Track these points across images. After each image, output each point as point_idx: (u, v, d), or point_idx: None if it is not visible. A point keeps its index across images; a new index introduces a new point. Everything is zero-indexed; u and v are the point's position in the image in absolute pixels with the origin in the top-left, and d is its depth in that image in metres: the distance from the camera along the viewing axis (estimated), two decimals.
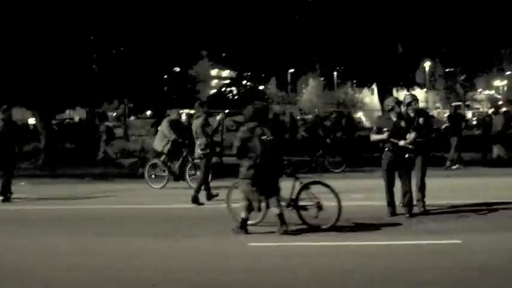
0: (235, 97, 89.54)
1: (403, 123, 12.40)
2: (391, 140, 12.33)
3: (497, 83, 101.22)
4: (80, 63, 26.63)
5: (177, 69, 38.89)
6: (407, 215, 12.29)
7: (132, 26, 26.26)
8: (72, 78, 25.94)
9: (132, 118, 58.60)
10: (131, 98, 36.93)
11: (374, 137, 12.87)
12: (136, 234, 11.54)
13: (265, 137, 11.05)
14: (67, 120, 48.96)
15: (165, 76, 37.51)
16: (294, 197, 11.54)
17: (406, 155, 12.46)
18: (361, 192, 15.74)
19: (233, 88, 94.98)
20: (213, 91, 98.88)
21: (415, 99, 13.30)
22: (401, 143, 12.24)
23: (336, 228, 11.16)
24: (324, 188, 11.59)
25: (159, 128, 20.40)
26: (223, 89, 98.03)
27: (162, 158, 18.77)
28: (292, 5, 28.34)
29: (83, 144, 30.35)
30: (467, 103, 71.66)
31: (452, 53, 32.66)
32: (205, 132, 15.24)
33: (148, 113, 58.06)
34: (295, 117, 32.63)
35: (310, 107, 67.17)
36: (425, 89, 65.00)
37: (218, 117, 16.95)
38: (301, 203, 11.54)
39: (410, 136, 12.27)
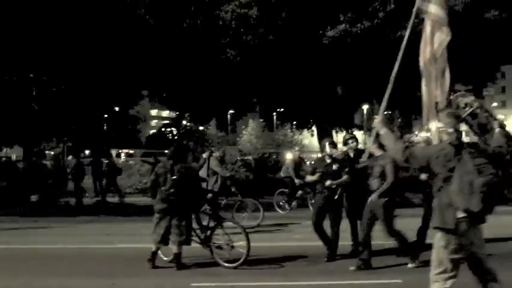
0: (175, 137, 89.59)
1: (335, 166, 12.22)
2: (322, 181, 12.25)
3: (433, 125, 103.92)
4: (19, 101, 26.29)
5: (117, 108, 38.73)
6: (326, 259, 12.01)
7: (73, 65, 26.13)
8: (12, 116, 25.58)
9: (70, 157, 57.84)
10: (70, 136, 36.55)
11: (308, 178, 13.15)
12: (75, 273, 11.40)
13: (173, 175, 11.43)
14: (3, 159, 48.01)
15: (105, 115, 37.32)
16: (208, 234, 11.84)
17: (336, 196, 12.17)
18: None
19: (173, 128, 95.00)
20: (153, 131, 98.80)
21: (352, 137, 13.28)
22: (327, 183, 12.07)
23: (285, 267, 11.32)
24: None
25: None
26: (163, 129, 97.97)
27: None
28: (232, 47, 28.63)
29: (19, 183, 29.48)
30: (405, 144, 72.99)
31: (390, 96, 33.33)
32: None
33: (87, 152, 57.37)
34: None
35: (250, 148, 67.47)
36: (363, 131, 66.08)
37: (204, 155, 16.81)
38: (216, 242, 11.75)
39: (342, 178, 12.17)
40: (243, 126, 78.65)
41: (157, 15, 27.60)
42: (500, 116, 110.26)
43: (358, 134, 54.49)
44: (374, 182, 11.33)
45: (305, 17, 26.91)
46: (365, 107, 61.91)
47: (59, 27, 25.37)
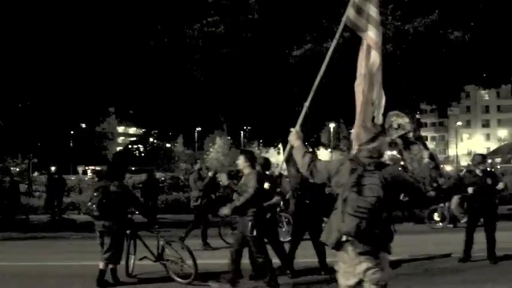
0: (142, 154, 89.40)
1: (266, 185, 11.55)
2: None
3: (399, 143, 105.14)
4: None
5: (83, 125, 38.56)
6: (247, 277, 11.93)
7: (38, 80, 26.01)
8: None
9: (35, 174, 57.39)
10: (36, 153, 36.31)
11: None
12: None
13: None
14: None
15: (72, 132, 37.12)
16: (159, 251, 12.19)
17: (268, 215, 11.90)
18: None
19: (140, 145, 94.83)
20: (120, 148, 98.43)
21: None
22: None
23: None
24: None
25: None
26: (130, 146, 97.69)
27: None
28: (199, 64, 28.72)
29: None
30: None
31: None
32: (197, 186, 17.39)
33: (53, 168, 56.93)
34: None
35: (217, 166, 67.60)
36: (329, 149, 66.67)
37: (210, 174, 18.44)
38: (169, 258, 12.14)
39: (273, 199, 12.20)
40: (210, 144, 78.83)
41: (124, 33, 27.58)
42: (465, 135, 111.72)
43: (325, 152, 54.84)
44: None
45: (272, 37, 27.13)
46: (332, 126, 62.47)
47: (22, 42, 25.27)
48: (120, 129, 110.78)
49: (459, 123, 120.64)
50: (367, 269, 5.88)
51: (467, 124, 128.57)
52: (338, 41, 8.73)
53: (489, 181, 14.19)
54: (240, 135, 61.42)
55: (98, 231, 11.73)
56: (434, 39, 28.28)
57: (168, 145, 77.78)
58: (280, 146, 37.84)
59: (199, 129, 63.50)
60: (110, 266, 11.78)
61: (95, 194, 11.66)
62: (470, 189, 14.38)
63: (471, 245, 14.13)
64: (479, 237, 14.05)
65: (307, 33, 27.59)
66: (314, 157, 6.73)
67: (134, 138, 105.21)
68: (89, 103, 29.00)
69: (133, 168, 61.13)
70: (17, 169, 56.87)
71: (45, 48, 25.27)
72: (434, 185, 12.97)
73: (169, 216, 26.41)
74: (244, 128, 40.44)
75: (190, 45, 27.88)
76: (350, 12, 8.47)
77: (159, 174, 37.57)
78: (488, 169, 15.71)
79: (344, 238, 5.92)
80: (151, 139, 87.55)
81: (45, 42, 25.17)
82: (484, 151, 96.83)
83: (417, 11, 28.14)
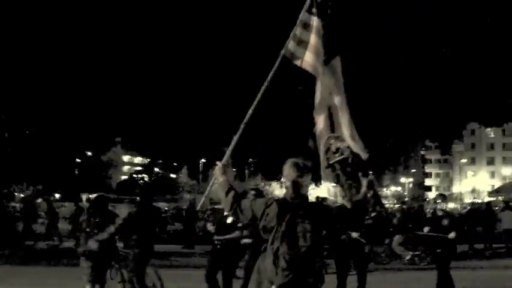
0: (147, 184, 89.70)
1: (229, 220, 11.35)
2: (216, 236, 11.79)
3: (403, 179, 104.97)
4: None
5: (89, 153, 38.96)
6: None
7: (46, 109, 26.44)
8: None
9: (39, 200, 57.56)
10: (41, 179, 36.66)
11: (209, 227, 12.37)
12: None
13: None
14: None
15: (78, 160, 37.51)
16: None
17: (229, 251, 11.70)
18: None
19: (144, 175, 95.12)
20: (125, 177, 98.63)
21: (253, 189, 12.84)
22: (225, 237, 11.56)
23: None
24: None
25: None
26: (134, 175, 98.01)
27: None
28: (201, 98, 29.13)
29: None
30: None
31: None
32: None
33: (57, 195, 57.19)
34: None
35: (219, 198, 67.76)
36: (333, 184, 66.84)
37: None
38: None
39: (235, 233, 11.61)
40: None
41: (133, 62, 28.05)
42: (470, 172, 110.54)
43: (328, 186, 55.23)
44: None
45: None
46: None
47: (31, 69, 25.75)
48: (126, 158, 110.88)
49: (464, 160, 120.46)
50: None
51: (472, 161, 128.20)
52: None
53: (445, 222, 14.14)
54: (244, 168, 61.77)
55: None
56: (435, 79, 28.66)
57: (172, 175, 78.02)
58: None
59: (204, 160, 63.99)
60: None
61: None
62: (426, 229, 14.28)
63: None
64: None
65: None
66: (238, 195, 6.09)
67: (139, 168, 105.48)
68: (96, 132, 29.43)
69: (137, 198, 61.24)
70: (21, 195, 57.24)
71: (54, 76, 25.73)
72: (373, 214, 12.43)
73: (171, 246, 26.33)
74: (249, 160, 40.76)
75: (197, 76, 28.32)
76: (290, 44, 7.96)
77: (161, 204, 37.57)
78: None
79: (273, 287, 5.48)
80: (156, 169, 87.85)
81: (54, 69, 25.63)
82: (489, 189, 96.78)
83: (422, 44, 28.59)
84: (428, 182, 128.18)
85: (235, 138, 7.25)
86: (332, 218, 6.11)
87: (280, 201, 5.74)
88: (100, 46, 24.92)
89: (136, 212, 11.96)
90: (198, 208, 8.75)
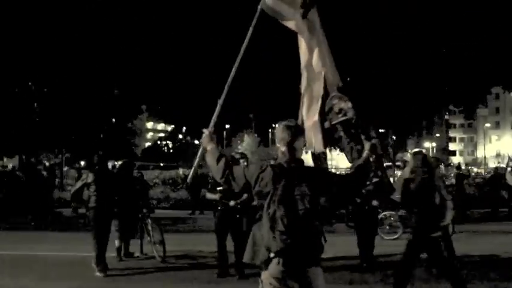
0: (171, 150, 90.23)
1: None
2: (223, 200, 12.10)
3: (427, 144, 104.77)
4: (20, 112, 26.89)
5: (114, 120, 39.30)
6: (237, 276, 12.13)
7: (74, 77, 26.74)
8: (13, 126, 26.15)
9: (66, 168, 58.31)
10: (68, 147, 37.13)
11: (208, 195, 12.76)
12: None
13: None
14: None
15: (104, 127, 37.91)
16: None
17: (237, 216, 12.12)
18: None
19: (169, 141, 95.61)
20: (148, 144, 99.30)
21: (242, 153, 13.35)
22: (231, 203, 12.00)
23: None
24: None
25: None
26: (158, 142, 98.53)
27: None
28: (230, 64, 29.31)
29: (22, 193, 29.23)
30: (397, 163, 73.57)
31: (386, 115, 34.15)
32: None
33: (83, 163, 57.79)
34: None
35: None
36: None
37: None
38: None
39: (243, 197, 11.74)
40: (239, 141, 79.33)
41: (156, 31, 28.25)
42: (494, 136, 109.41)
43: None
44: None
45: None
46: None
47: (60, 38, 26.02)
48: (149, 125, 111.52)
49: (488, 124, 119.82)
50: (300, 285, 5.31)
51: (497, 125, 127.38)
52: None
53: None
54: (268, 133, 62.00)
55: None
56: (460, 42, 28.56)
57: (196, 142, 78.50)
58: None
59: (228, 126, 64.28)
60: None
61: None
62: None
63: None
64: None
65: None
66: (230, 162, 5.90)
67: (162, 134, 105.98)
68: (122, 100, 29.73)
69: (161, 164, 61.88)
70: (47, 163, 57.86)
71: (82, 46, 26.03)
72: (374, 180, 12.16)
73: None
74: (273, 125, 40.89)
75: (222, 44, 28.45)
76: None
77: (182, 171, 37.88)
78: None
79: (273, 255, 5.31)
80: (179, 136, 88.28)
81: (82, 39, 25.93)
82: None
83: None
84: (452, 146, 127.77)
85: (220, 102, 7.11)
86: (330, 181, 5.74)
87: (275, 166, 5.56)
88: (124, 12, 25.21)
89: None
90: (188, 180, 8.71)
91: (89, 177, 13.06)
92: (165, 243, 14.23)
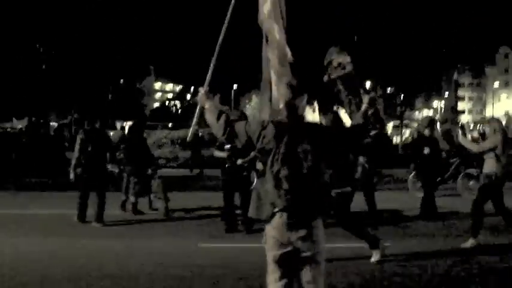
0: (179, 111, 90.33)
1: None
2: (232, 158, 12.35)
3: (436, 103, 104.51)
4: (29, 74, 27.05)
5: (122, 81, 39.47)
6: (244, 231, 12.48)
7: (81, 38, 26.85)
8: (22, 88, 26.35)
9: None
10: (77, 108, 37.37)
11: (216, 153, 12.99)
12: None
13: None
14: (8, 129, 48.59)
15: (112, 88, 38.10)
16: None
17: (244, 173, 12.46)
18: None
19: (177, 102, 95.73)
20: (157, 104, 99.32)
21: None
22: (239, 161, 12.26)
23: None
24: None
25: None
26: (167, 103, 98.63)
27: None
28: (240, 25, 29.31)
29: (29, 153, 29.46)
30: (405, 122, 73.75)
31: (394, 75, 34.23)
32: None
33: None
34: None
35: (254, 122, 68.15)
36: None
37: None
38: None
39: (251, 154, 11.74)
40: (247, 101, 79.41)
41: None
42: (503, 95, 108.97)
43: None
44: None
45: None
46: (367, 84, 62.51)
47: (67, 1, 26.09)
48: (157, 85, 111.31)
49: (497, 83, 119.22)
50: (302, 238, 5.36)
51: (506, 85, 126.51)
52: None
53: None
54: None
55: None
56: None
57: None
58: (315, 103, 38.35)
59: (236, 86, 64.23)
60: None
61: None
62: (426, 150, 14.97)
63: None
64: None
65: None
66: (230, 118, 5.86)
67: (171, 95, 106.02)
68: (130, 60, 29.85)
69: (170, 125, 62.06)
70: (55, 124, 58.17)
71: (90, 7, 26.09)
72: (372, 132, 12.25)
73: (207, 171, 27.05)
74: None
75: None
76: None
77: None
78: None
79: (277, 209, 5.36)
80: (188, 96, 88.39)
81: (91, 1, 25.99)
82: None
83: None
84: (461, 105, 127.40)
85: (213, 60, 7.01)
86: (331, 136, 5.74)
87: (277, 123, 5.58)
88: None
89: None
90: (188, 139, 8.80)
91: (80, 137, 13.87)
92: (168, 199, 14.95)
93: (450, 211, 15.71)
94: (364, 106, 5.90)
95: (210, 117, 5.89)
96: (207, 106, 5.98)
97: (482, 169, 11.64)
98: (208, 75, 6.74)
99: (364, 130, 5.97)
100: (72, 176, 13.80)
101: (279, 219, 5.37)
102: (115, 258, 10.31)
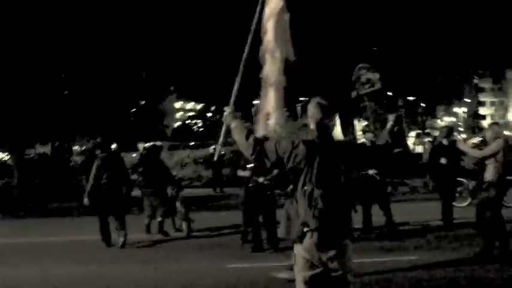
0: (201, 129, 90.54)
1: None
2: (253, 177, 12.31)
3: (457, 109, 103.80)
4: (52, 100, 27.30)
5: (143, 102, 39.68)
6: (271, 250, 12.46)
7: (103, 64, 27.08)
8: (46, 114, 26.56)
9: (99, 151, 58.74)
10: (100, 132, 37.54)
11: (240, 173, 12.94)
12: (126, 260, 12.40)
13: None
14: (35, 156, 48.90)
15: (133, 110, 38.29)
16: None
17: (268, 192, 12.37)
18: None
19: (198, 120, 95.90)
20: (178, 123, 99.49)
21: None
22: (261, 179, 12.19)
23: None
24: None
25: None
26: (188, 122, 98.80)
27: None
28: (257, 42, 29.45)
29: (55, 179, 29.61)
30: (426, 131, 73.32)
31: (415, 83, 34.14)
32: None
33: (114, 146, 58.17)
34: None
35: (275, 138, 68.25)
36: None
37: None
38: None
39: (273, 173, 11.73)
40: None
41: (181, 10, 28.49)
42: None
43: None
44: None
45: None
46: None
47: (86, 25, 26.33)
48: (178, 104, 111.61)
49: None
50: (333, 257, 5.38)
51: None
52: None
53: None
54: (296, 108, 62.01)
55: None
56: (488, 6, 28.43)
57: None
58: (337, 117, 38.36)
59: (257, 102, 64.30)
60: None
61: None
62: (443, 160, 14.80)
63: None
64: None
65: None
66: (260, 138, 5.85)
67: (192, 113, 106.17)
68: (150, 82, 30.02)
69: (191, 144, 62.19)
70: (77, 148, 58.43)
71: (110, 30, 26.32)
72: (396, 150, 12.10)
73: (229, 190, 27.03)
74: (300, 99, 41.07)
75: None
76: None
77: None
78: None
79: (306, 229, 5.39)
80: (209, 114, 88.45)
81: (109, 26, 26.23)
82: None
83: None
84: (482, 111, 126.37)
85: (238, 79, 7.05)
86: (360, 154, 5.89)
87: (308, 142, 5.57)
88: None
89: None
90: (215, 158, 8.69)
91: (96, 163, 14.20)
92: (190, 219, 15.23)
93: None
94: (389, 124, 5.96)
95: (238, 137, 5.85)
96: (233, 125, 5.95)
97: (484, 176, 11.31)
98: (233, 94, 6.70)
99: (389, 148, 5.99)
100: (86, 201, 14.09)
101: (309, 239, 5.39)
102: (144, 283, 10.35)
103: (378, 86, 6.15)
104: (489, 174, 11.07)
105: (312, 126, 5.67)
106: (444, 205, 14.97)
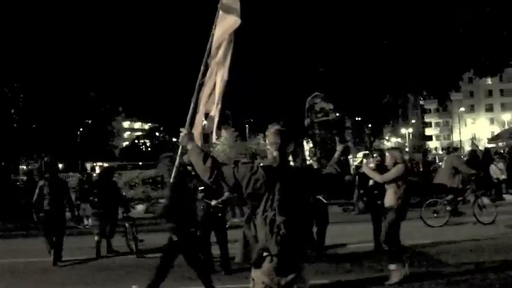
0: (149, 149, 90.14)
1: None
2: (205, 200, 12.30)
3: (403, 130, 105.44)
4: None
5: (90, 121, 39.35)
6: (223, 272, 12.40)
7: (50, 83, 26.82)
8: None
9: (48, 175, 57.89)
10: (48, 151, 37.11)
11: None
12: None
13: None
14: None
15: (80, 129, 37.94)
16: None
17: (219, 214, 12.47)
18: None
19: (146, 140, 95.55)
20: (126, 143, 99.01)
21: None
22: (213, 202, 12.26)
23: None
24: None
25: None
26: (136, 141, 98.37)
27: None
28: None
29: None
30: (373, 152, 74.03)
31: (361, 104, 34.56)
32: None
33: (60, 166, 57.54)
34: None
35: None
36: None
37: None
38: None
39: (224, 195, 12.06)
40: (216, 137, 79.42)
41: (129, 31, 28.41)
42: (469, 120, 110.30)
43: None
44: None
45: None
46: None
47: (34, 44, 26.07)
48: (126, 124, 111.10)
49: (462, 108, 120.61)
50: (292, 281, 5.39)
51: (471, 109, 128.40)
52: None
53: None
54: (245, 128, 62.20)
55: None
56: (431, 31, 29.00)
57: (174, 139, 78.57)
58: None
59: (206, 123, 64.28)
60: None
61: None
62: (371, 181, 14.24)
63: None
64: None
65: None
66: (217, 161, 5.77)
67: (139, 133, 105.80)
68: (98, 102, 29.83)
69: (140, 163, 61.70)
70: (24, 167, 57.52)
71: (57, 51, 26.12)
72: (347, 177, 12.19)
73: None
74: (248, 120, 41.23)
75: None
76: None
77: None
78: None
79: (266, 254, 5.36)
80: (157, 133, 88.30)
81: (57, 43, 26.02)
82: (489, 135, 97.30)
83: None
84: (428, 131, 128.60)
85: (194, 100, 7.02)
86: (318, 180, 5.89)
87: (267, 168, 5.53)
88: (98, 15, 25.35)
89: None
90: (171, 180, 8.62)
91: (41, 184, 14.69)
92: (138, 240, 15.29)
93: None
94: (337, 153, 5.97)
95: (195, 159, 5.73)
96: (189, 147, 5.87)
97: (383, 202, 11.37)
98: (189, 115, 6.69)
99: (338, 177, 5.95)
100: (35, 218, 14.90)
101: (269, 264, 5.37)
102: None
103: (332, 116, 6.23)
104: (388, 199, 11.13)
105: (275, 153, 5.60)
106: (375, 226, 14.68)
